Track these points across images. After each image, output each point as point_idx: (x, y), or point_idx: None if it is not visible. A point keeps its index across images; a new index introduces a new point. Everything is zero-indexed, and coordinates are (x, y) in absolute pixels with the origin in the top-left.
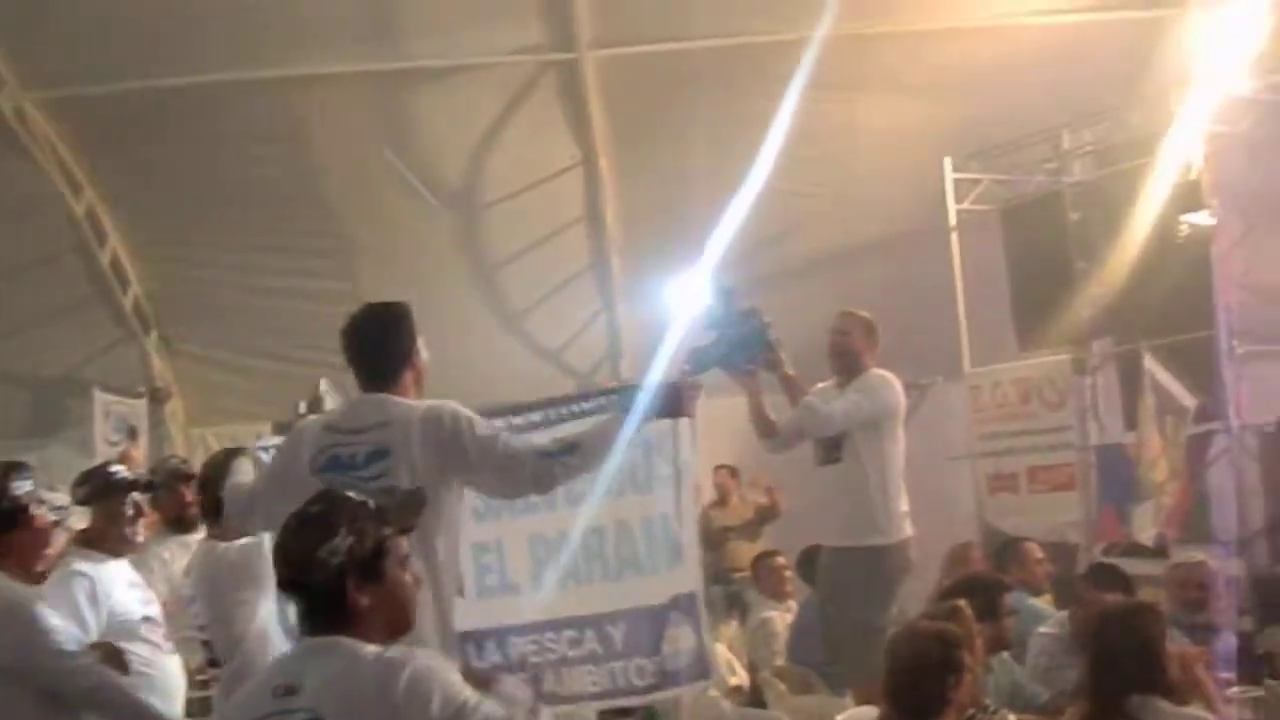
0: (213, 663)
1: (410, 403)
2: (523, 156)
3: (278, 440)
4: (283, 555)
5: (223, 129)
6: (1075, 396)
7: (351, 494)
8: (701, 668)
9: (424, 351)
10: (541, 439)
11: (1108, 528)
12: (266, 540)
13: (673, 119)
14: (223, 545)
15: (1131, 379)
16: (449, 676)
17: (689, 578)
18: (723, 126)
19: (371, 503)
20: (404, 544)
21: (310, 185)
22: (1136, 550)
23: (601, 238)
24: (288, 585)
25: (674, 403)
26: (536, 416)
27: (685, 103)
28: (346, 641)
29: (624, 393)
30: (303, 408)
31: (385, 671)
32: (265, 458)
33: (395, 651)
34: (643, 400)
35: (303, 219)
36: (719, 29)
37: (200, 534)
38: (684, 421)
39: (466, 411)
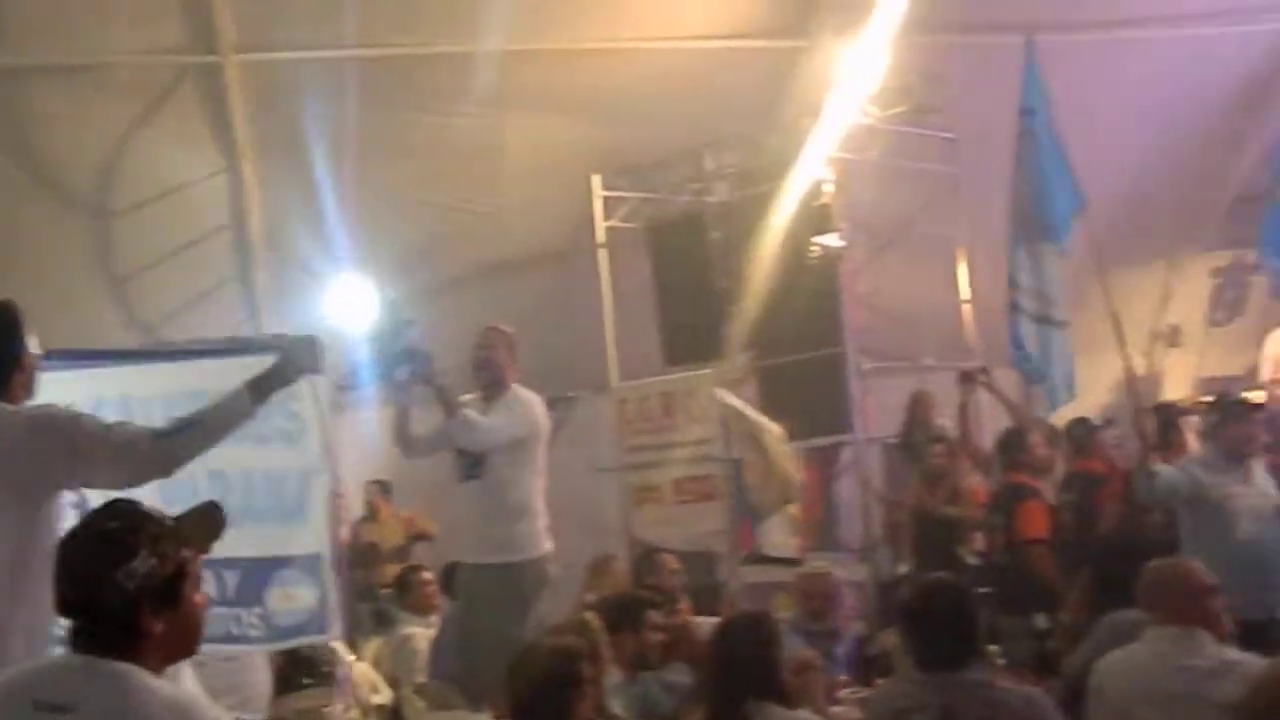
0: None
1: (13, 409)
2: (161, 162)
3: None
4: (68, 573)
5: None
6: (717, 410)
7: (149, 509)
8: (320, 625)
9: (34, 349)
10: (159, 420)
11: (746, 537)
12: None
13: (320, 128)
14: None
15: (772, 393)
16: None
17: (313, 538)
18: (372, 137)
19: (169, 520)
20: (199, 565)
21: None
22: (772, 559)
23: (246, 248)
24: (70, 605)
25: (307, 359)
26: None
27: (333, 112)
28: (133, 671)
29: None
30: None
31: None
32: None
33: (187, 697)
34: (275, 364)
35: None
36: (368, 39)
37: None
38: (314, 379)
39: (72, 410)
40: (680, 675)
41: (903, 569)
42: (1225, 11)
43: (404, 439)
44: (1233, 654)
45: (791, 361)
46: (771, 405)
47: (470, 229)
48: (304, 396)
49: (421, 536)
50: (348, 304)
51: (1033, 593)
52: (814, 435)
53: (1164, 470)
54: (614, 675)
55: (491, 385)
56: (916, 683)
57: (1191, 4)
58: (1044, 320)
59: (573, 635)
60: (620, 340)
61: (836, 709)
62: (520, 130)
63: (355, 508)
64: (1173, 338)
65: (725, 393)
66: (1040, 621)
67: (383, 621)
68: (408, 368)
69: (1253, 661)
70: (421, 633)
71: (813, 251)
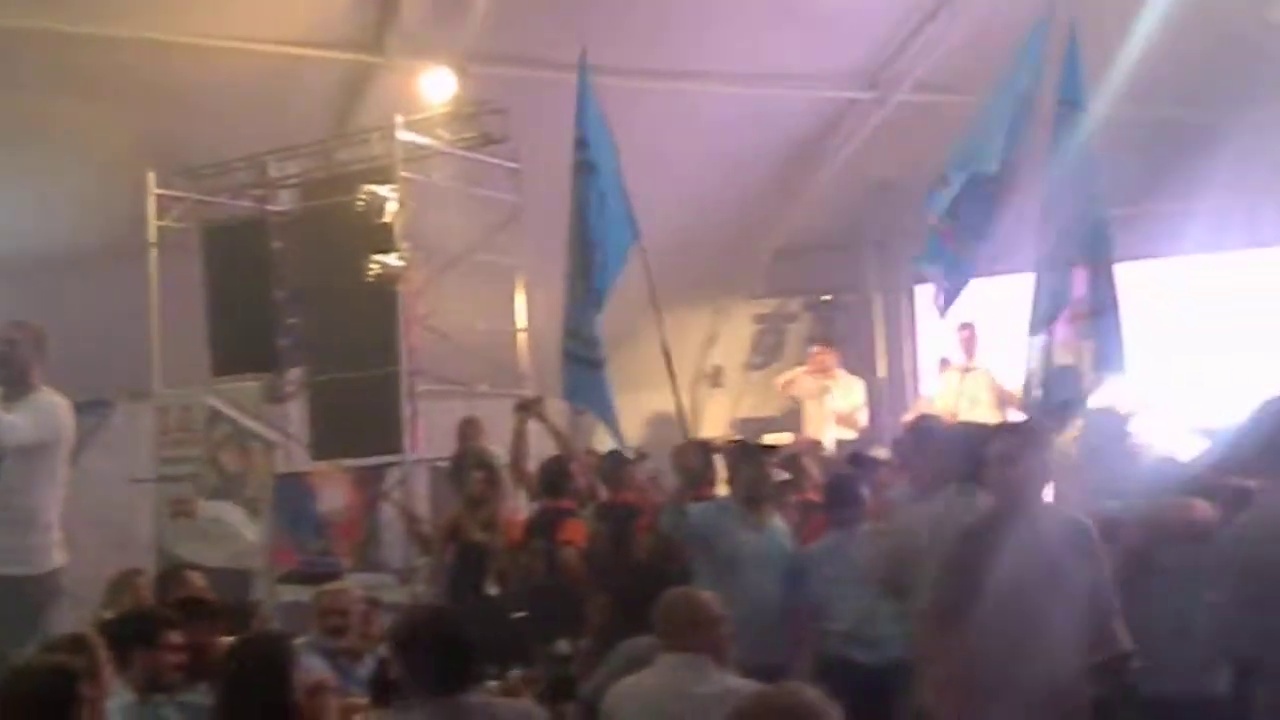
0: None
1: None
2: None
3: None
4: None
5: None
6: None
7: None
8: None
9: None
10: None
11: (284, 554)
12: None
13: None
14: None
15: (322, 410)
16: None
17: None
18: None
19: None
20: None
21: None
22: (310, 577)
23: None
24: None
25: None
26: None
27: None
28: None
29: None
30: None
31: None
32: None
33: None
34: None
35: None
36: None
37: None
38: None
39: None
40: (201, 696)
41: (420, 590)
42: (782, 75)
43: None
44: (735, 681)
45: (344, 379)
46: (322, 422)
47: (6, 217)
48: None
49: None
50: None
51: (570, 614)
52: (364, 454)
53: (692, 508)
54: (123, 696)
55: (13, 383)
56: (420, 707)
57: (751, 64)
58: (586, 361)
59: (70, 653)
60: (166, 346)
61: None
62: (72, 116)
63: None
64: (716, 378)
65: (216, 401)
66: (562, 647)
67: None
68: None
69: (752, 688)
70: None
71: (372, 269)
